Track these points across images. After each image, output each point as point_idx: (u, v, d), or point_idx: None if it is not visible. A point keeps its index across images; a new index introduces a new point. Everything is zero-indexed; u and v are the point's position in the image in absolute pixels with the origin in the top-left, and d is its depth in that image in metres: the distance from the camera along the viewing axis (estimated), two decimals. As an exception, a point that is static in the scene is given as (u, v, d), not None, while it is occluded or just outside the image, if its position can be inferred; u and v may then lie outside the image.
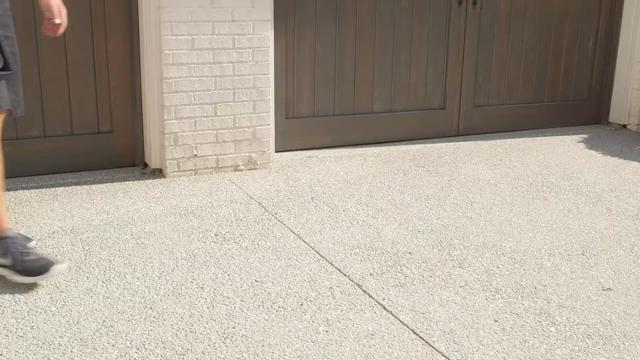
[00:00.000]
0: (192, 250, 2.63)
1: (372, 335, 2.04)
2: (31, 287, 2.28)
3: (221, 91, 3.59)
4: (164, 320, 2.09)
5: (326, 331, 2.06)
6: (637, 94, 4.91)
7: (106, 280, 2.35)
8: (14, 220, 2.90)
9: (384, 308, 2.21)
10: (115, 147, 3.67)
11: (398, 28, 4.32)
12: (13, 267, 2.27)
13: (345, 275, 2.44)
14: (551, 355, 1.94)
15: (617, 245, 2.78)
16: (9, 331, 2.00)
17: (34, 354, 1.89)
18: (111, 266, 2.47)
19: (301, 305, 2.21)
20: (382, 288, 2.35)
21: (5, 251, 2.29)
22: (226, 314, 2.13)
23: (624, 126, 5.05)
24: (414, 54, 4.41)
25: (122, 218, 2.96)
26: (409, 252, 2.66)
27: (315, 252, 2.64)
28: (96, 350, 1.92)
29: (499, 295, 2.31)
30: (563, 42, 4.91)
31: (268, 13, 3.62)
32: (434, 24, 4.43)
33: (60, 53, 3.45)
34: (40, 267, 2.25)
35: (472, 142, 4.51)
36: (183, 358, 1.88)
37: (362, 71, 4.27)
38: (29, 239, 2.54)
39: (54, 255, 2.55)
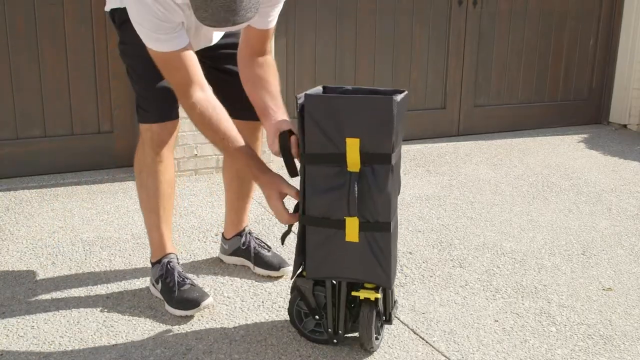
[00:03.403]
0: (192, 250, 2.63)
1: (373, 335, 2.04)
2: (31, 287, 2.28)
3: (221, 91, 3.58)
4: (165, 320, 2.08)
5: (326, 331, 2.05)
6: (638, 94, 4.91)
7: (106, 280, 2.35)
8: (14, 220, 2.90)
9: (385, 308, 2.20)
10: (115, 147, 3.67)
11: (398, 28, 4.32)
12: (162, 294, 2.16)
13: (345, 275, 2.44)
14: (551, 355, 1.94)
15: (618, 245, 2.78)
16: (9, 331, 2.00)
17: (35, 354, 1.89)
18: (111, 266, 2.47)
19: (301, 305, 2.21)
20: (383, 288, 2.34)
21: (158, 277, 2.17)
22: (226, 314, 2.13)
23: (625, 126, 5.05)
24: (414, 53, 4.41)
25: (123, 218, 2.96)
26: (409, 252, 2.66)
27: (315, 252, 2.63)
28: (96, 350, 1.92)
29: (500, 295, 2.31)
30: (563, 42, 4.91)
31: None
32: (434, 24, 4.42)
33: (60, 53, 3.45)
34: (186, 301, 2.09)
35: (472, 142, 4.51)
36: (184, 358, 1.88)
37: (362, 71, 4.27)
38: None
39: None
